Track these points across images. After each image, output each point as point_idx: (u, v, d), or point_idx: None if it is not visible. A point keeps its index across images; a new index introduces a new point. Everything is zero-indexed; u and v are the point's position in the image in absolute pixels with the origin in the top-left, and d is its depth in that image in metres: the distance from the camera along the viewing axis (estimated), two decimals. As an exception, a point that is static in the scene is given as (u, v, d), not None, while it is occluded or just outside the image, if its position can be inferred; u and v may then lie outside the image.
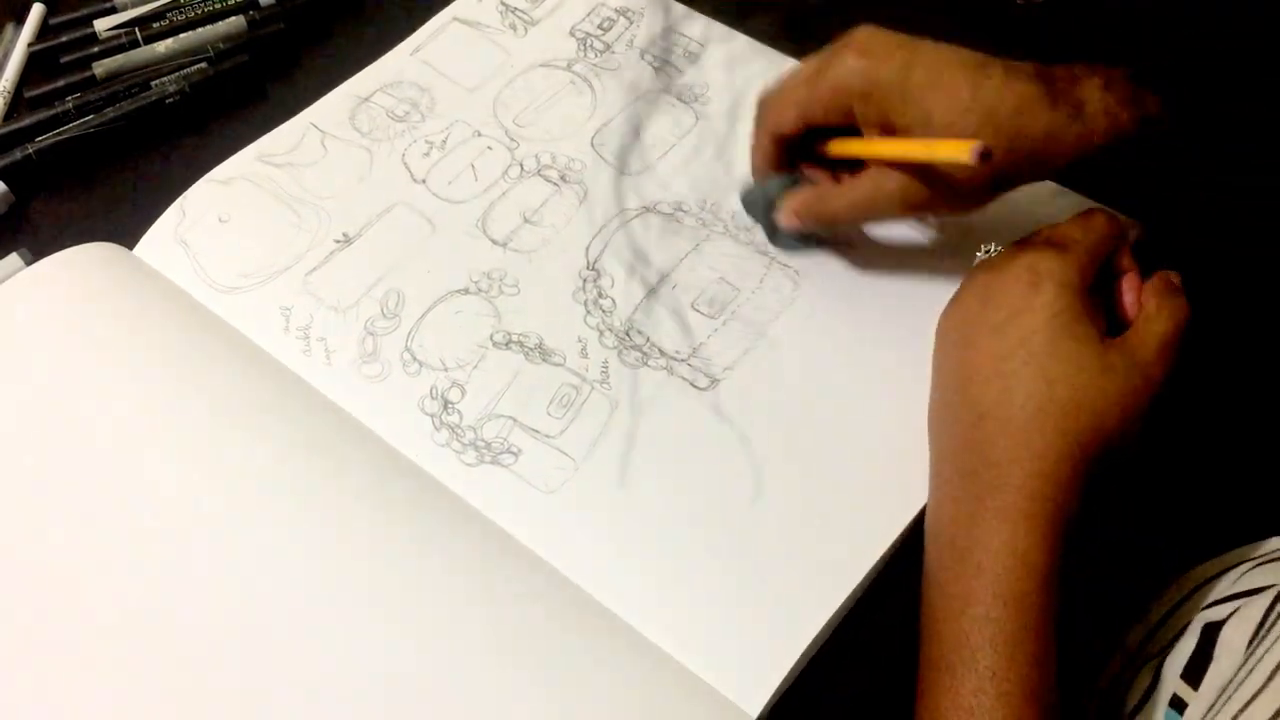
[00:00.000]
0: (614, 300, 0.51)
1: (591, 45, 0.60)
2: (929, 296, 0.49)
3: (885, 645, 0.43)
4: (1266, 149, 0.45)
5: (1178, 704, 0.39)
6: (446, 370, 0.49)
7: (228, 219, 0.54)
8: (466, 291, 0.52)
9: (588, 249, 0.53)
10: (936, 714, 0.37)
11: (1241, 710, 0.36)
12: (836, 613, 0.42)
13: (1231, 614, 0.40)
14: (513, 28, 0.61)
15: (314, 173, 0.56)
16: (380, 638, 0.41)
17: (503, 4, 0.62)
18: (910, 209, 0.46)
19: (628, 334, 0.50)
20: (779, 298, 0.51)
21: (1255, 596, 0.39)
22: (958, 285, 0.49)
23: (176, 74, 0.59)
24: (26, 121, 0.58)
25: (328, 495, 0.45)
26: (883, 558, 0.43)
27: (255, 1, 0.62)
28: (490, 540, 0.44)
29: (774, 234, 0.51)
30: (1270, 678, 0.36)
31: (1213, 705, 0.38)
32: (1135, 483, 0.42)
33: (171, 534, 0.44)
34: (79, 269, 0.52)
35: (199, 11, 0.61)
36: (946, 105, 0.42)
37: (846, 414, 0.47)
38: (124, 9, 0.62)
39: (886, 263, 0.51)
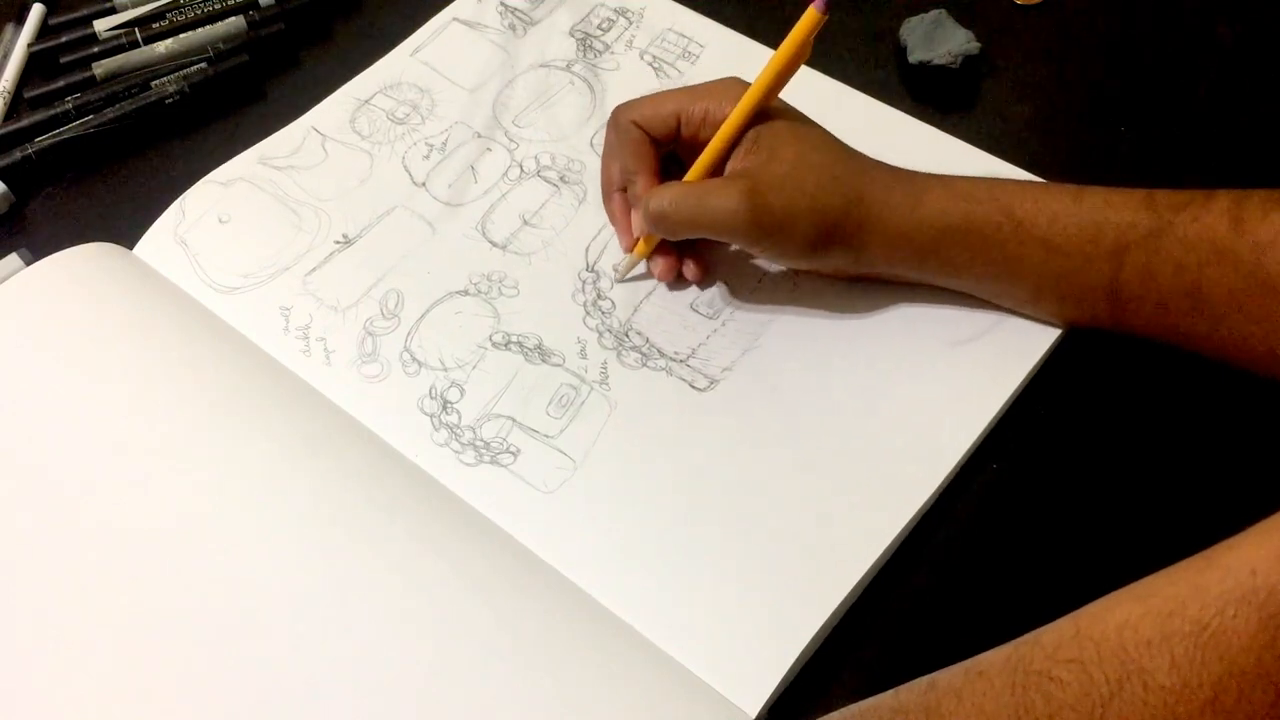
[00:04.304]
0: (613, 301, 0.51)
1: (591, 46, 0.60)
2: (926, 297, 0.49)
3: (884, 644, 0.43)
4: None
5: None
6: (446, 370, 0.49)
7: (228, 219, 0.54)
8: (466, 293, 0.52)
9: (587, 250, 0.53)
10: None
11: None
12: (835, 612, 0.42)
13: None
14: (512, 28, 0.61)
15: (315, 176, 0.56)
16: (378, 638, 0.41)
17: (502, 5, 0.62)
18: (736, 230, 0.46)
19: (627, 335, 0.50)
20: (778, 298, 0.51)
21: None
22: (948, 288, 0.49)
23: (176, 74, 0.59)
24: (26, 122, 0.58)
25: (327, 495, 0.45)
26: (881, 557, 0.43)
27: (255, 2, 0.62)
28: (489, 540, 0.44)
29: None
30: None
31: None
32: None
33: (170, 534, 0.44)
34: (79, 269, 0.52)
35: (199, 12, 0.61)
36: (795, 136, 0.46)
37: (845, 414, 0.47)
38: (124, 9, 0.62)
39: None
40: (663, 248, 0.51)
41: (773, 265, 0.51)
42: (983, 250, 0.46)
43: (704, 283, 0.51)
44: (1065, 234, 0.44)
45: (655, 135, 0.49)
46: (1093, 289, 0.45)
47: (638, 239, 0.50)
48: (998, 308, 0.49)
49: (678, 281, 0.51)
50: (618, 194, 0.51)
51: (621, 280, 0.52)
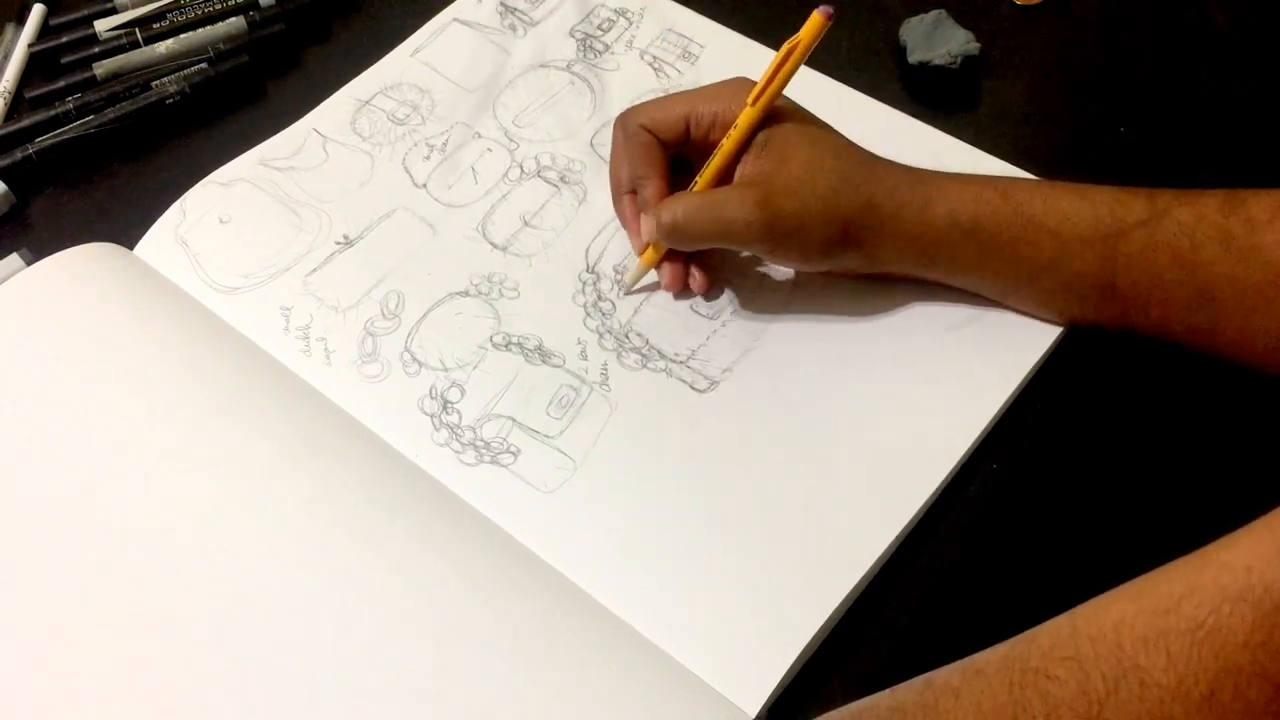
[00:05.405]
0: (613, 303, 0.51)
1: (591, 46, 0.60)
2: (926, 297, 0.49)
3: (884, 644, 0.43)
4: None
5: None
6: (446, 370, 0.49)
7: (228, 220, 0.54)
8: (466, 294, 0.52)
9: (587, 251, 0.53)
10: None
11: None
12: (835, 612, 0.42)
13: None
14: (512, 29, 0.62)
15: (316, 177, 0.56)
16: (379, 638, 0.41)
17: (502, 5, 0.62)
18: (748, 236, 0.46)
19: (627, 336, 0.50)
20: (777, 299, 0.51)
21: None
22: (954, 286, 0.49)
23: (177, 74, 0.59)
24: (27, 122, 0.58)
25: (327, 495, 0.45)
26: (881, 557, 0.43)
27: (255, 2, 0.62)
28: (489, 540, 0.44)
29: None
30: None
31: None
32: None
33: (170, 534, 0.44)
34: (79, 269, 0.52)
35: (199, 12, 0.61)
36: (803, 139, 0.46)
37: (845, 414, 0.47)
38: (124, 10, 0.62)
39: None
40: (671, 256, 0.50)
41: (777, 267, 0.51)
42: (993, 248, 0.46)
43: (708, 293, 0.51)
44: (1075, 229, 0.45)
45: (664, 138, 0.49)
46: (1094, 279, 0.45)
47: (647, 244, 0.50)
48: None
49: (684, 291, 0.51)
50: (627, 197, 0.51)
51: (630, 292, 0.51)
